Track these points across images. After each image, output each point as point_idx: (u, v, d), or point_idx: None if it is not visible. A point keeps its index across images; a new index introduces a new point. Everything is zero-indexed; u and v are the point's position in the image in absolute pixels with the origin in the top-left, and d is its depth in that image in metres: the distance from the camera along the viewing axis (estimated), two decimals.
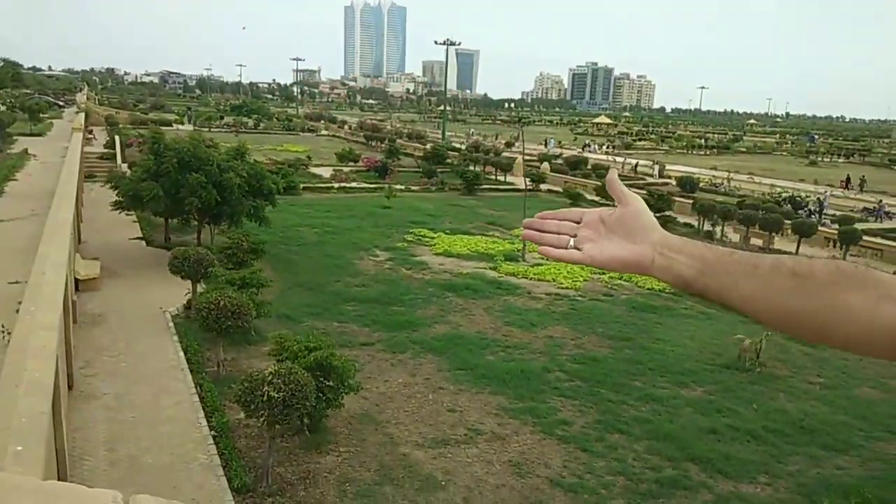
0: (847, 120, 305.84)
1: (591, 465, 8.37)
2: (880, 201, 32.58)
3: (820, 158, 65.11)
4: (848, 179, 42.06)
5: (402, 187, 30.13)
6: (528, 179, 25.72)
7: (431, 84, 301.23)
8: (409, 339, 12.09)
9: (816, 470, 8.49)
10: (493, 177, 36.11)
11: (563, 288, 16.06)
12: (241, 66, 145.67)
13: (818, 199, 30.90)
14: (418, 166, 37.38)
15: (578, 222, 1.11)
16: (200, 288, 11.90)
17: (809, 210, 29.40)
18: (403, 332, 12.42)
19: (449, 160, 40.44)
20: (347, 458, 8.20)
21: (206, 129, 50.25)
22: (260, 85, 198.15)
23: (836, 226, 24.38)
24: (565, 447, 8.75)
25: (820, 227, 22.39)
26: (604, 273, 17.65)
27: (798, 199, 31.02)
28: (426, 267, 17.29)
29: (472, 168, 35.16)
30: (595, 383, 10.69)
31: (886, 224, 28.81)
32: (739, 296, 0.97)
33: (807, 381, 11.39)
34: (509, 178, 35.71)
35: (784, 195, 32.22)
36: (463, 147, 47.61)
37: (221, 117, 67.61)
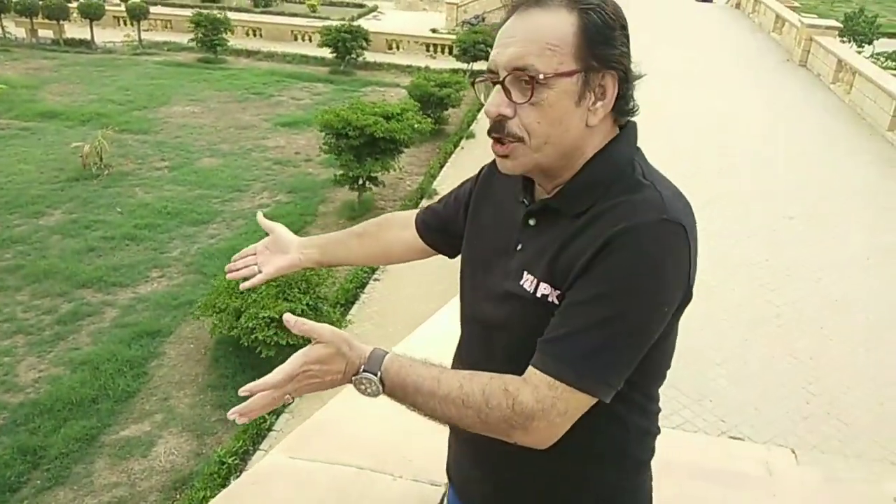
0: None
1: None
2: None
3: None
4: None
5: None
6: None
7: None
8: None
9: (196, 246, 9.37)
10: None
11: None
12: None
13: None
14: None
15: (254, 254, 1.59)
16: None
17: None
18: None
19: None
20: None
21: None
22: None
23: (118, 0, 23.93)
24: None
25: (108, 7, 21.54)
26: None
27: None
28: None
29: None
30: None
31: None
32: (342, 256, 1.60)
33: (155, 169, 11.87)
34: None
35: None
36: None
37: None
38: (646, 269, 1.04)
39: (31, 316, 7.73)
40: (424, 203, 11.10)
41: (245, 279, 1.56)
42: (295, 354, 1.09)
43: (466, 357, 1.30)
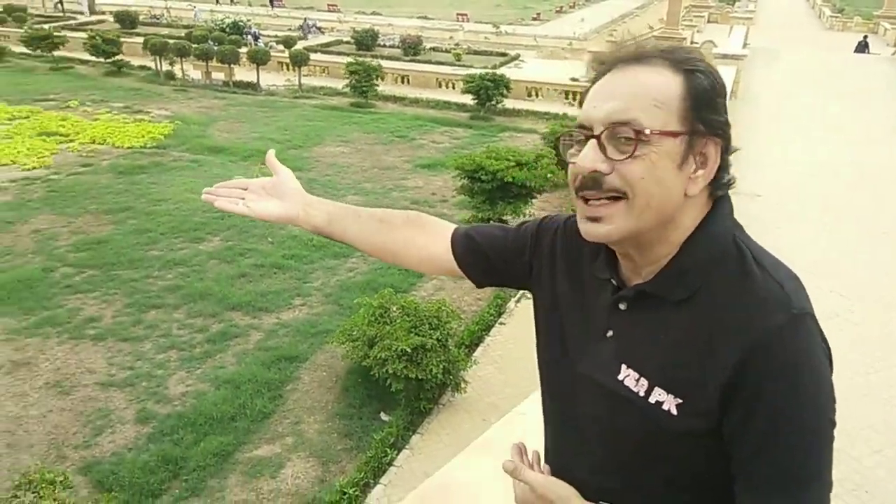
0: None
1: (138, 351, 8.04)
2: (305, 19, 35.44)
3: None
4: None
5: None
6: None
7: None
8: None
9: (335, 278, 9.85)
10: None
11: (29, 169, 13.72)
12: None
13: (250, 22, 32.08)
14: None
15: (245, 188, 1.40)
16: None
17: (254, 34, 30.52)
18: None
19: None
20: None
21: None
22: None
23: (282, 47, 26.08)
24: (104, 344, 8.13)
25: (273, 54, 23.58)
26: (72, 140, 15.65)
27: (240, 24, 31.70)
28: None
29: None
30: (110, 267, 9.90)
31: (320, 39, 32.01)
32: (352, 234, 1.41)
33: None
34: None
35: (227, 21, 32.47)
36: None
37: None
38: (799, 390, 0.94)
39: (184, 333, 8.42)
40: None
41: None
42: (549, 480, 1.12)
43: (561, 454, 1.21)
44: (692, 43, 22.60)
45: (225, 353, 8.08)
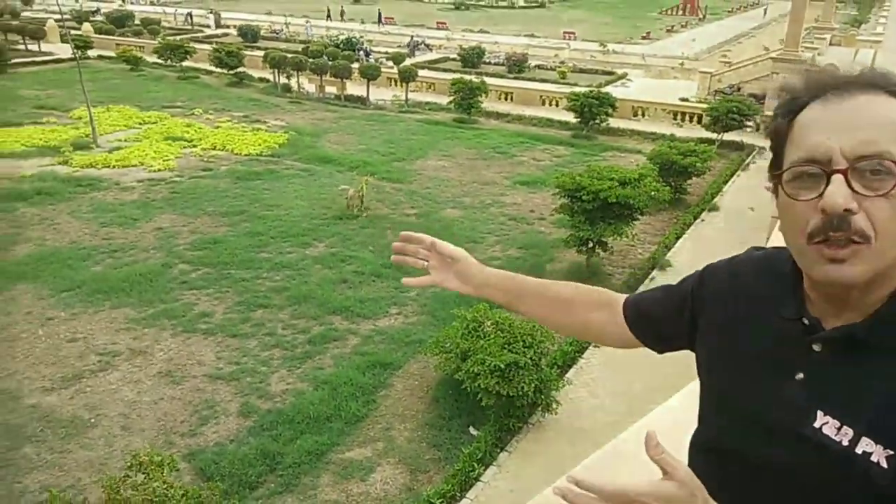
0: None
1: (245, 347, 8.46)
2: (412, 37, 36.20)
3: None
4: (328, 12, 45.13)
5: None
6: (72, 45, 21.93)
7: None
8: None
9: (431, 290, 9.94)
10: (23, 46, 29.89)
11: (155, 171, 14.81)
12: None
13: (362, 39, 33.16)
14: None
15: (429, 249, 1.52)
16: None
17: (365, 51, 31.58)
18: None
19: None
20: None
21: None
22: None
23: (392, 63, 26.84)
24: (213, 339, 8.62)
25: (383, 70, 24.32)
26: (195, 145, 16.73)
27: (354, 40, 32.88)
28: None
29: None
30: (223, 266, 10.50)
31: (427, 56, 32.71)
32: (533, 312, 1.48)
33: (405, 215, 12.96)
34: (45, 48, 30.00)
35: (341, 37, 33.77)
36: None
37: None
38: None
39: (288, 333, 8.79)
40: (655, 274, 10.82)
41: (406, 270, 1.52)
42: (641, 482, 0.94)
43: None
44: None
45: (324, 355, 8.37)
